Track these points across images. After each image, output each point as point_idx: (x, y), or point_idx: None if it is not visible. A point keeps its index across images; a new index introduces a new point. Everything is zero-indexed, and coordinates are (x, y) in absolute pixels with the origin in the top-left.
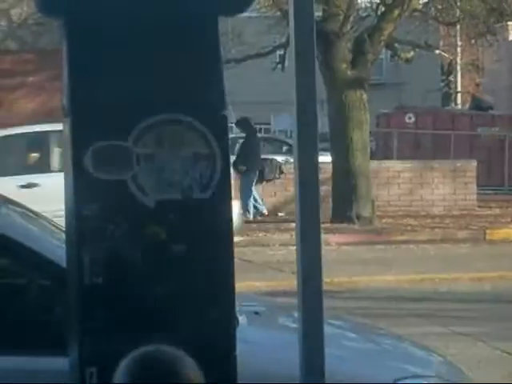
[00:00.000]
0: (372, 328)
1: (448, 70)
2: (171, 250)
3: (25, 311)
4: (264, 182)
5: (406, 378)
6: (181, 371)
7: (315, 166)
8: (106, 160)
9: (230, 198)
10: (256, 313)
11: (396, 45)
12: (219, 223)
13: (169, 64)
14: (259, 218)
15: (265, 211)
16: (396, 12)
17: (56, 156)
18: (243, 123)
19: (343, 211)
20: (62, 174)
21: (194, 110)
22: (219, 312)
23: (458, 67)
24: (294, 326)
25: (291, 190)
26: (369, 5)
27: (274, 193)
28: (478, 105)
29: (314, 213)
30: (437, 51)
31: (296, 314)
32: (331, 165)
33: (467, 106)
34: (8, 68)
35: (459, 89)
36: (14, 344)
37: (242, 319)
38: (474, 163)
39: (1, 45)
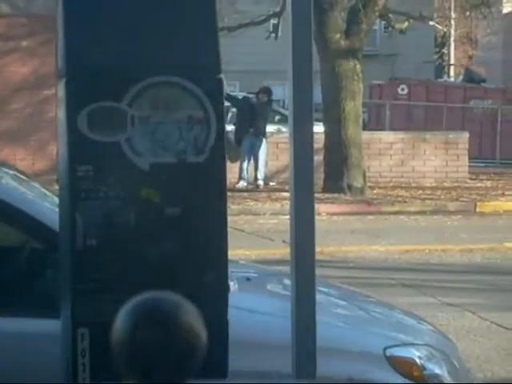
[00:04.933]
0: (362, 296)
1: (441, 42)
2: (165, 213)
3: (16, 274)
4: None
5: (395, 346)
6: (181, 316)
7: (310, 136)
8: (101, 121)
9: (225, 162)
10: (247, 279)
11: (390, 15)
12: (213, 187)
13: (165, 26)
14: (250, 187)
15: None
16: None
17: None
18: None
19: (335, 181)
20: None
21: (189, 73)
22: (212, 274)
23: (452, 39)
24: (285, 292)
25: (282, 159)
26: None
27: (266, 162)
28: (470, 77)
29: (308, 182)
30: (431, 23)
31: (286, 281)
32: (323, 135)
33: (460, 78)
34: (1, 32)
35: (452, 61)
36: (5, 306)
37: (233, 285)
38: (467, 135)
39: None
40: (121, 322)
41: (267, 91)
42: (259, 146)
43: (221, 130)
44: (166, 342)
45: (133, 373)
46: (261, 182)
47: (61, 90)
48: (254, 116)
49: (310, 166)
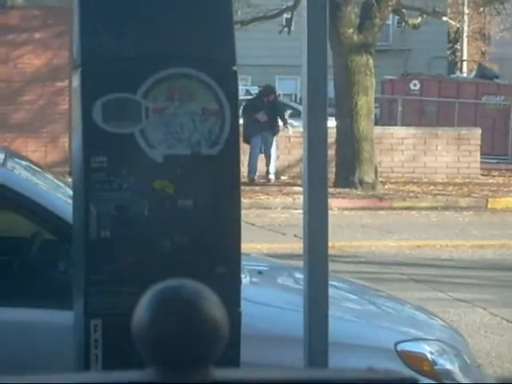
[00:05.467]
0: (373, 290)
1: (454, 38)
2: (178, 205)
3: (29, 265)
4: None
5: (407, 340)
6: (202, 304)
7: (324, 131)
8: (115, 113)
9: (239, 155)
10: (259, 272)
11: (403, 10)
12: (227, 179)
13: (180, 18)
14: (262, 181)
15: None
16: None
17: None
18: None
19: (346, 176)
20: None
21: (204, 65)
22: (225, 267)
23: (465, 35)
24: (297, 286)
25: (294, 153)
26: None
27: (278, 156)
28: (483, 73)
29: (322, 177)
30: (444, 18)
31: (298, 275)
32: (335, 129)
33: (473, 74)
34: (15, 24)
35: (465, 57)
36: (18, 296)
37: (245, 278)
38: (479, 131)
39: (8, 1)
40: (142, 309)
41: (272, 90)
42: (271, 143)
43: (235, 123)
44: (187, 331)
45: (154, 361)
46: (272, 177)
47: (76, 80)
48: (268, 113)
49: (324, 161)
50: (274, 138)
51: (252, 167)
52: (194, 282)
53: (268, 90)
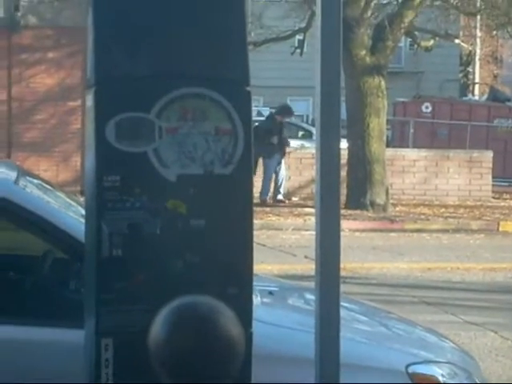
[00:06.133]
0: (384, 312)
1: (467, 61)
2: (191, 225)
3: (40, 283)
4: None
5: (418, 363)
6: (219, 321)
7: (337, 152)
8: (129, 132)
9: (252, 174)
10: (270, 293)
11: (416, 33)
12: (240, 199)
13: (194, 37)
14: (272, 203)
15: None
16: (417, 0)
17: None
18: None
19: (357, 198)
20: None
21: (218, 85)
22: (237, 287)
23: (477, 58)
24: (308, 307)
25: (306, 174)
26: None
27: (289, 177)
28: (495, 96)
29: (334, 198)
30: (456, 41)
31: (308, 296)
32: (347, 151)
33: (485, 97)
34: (28, 43)
35: (477, 80)
36: (28, 314)
37: (256, 298)
38: (491, 154)
39: (21, 20)
40: (158, 325)
41: (290, 110)
42: (281, 163)
43: (248, 142)
44: (204, 347)
45: (170, 377)
46: (281, 197)
47: (89, 100)
48: (279, 134)
49: (337, 182)
50: (283, 160)
51: (266, 189)
52: (209, 298)
53: (286, 112)
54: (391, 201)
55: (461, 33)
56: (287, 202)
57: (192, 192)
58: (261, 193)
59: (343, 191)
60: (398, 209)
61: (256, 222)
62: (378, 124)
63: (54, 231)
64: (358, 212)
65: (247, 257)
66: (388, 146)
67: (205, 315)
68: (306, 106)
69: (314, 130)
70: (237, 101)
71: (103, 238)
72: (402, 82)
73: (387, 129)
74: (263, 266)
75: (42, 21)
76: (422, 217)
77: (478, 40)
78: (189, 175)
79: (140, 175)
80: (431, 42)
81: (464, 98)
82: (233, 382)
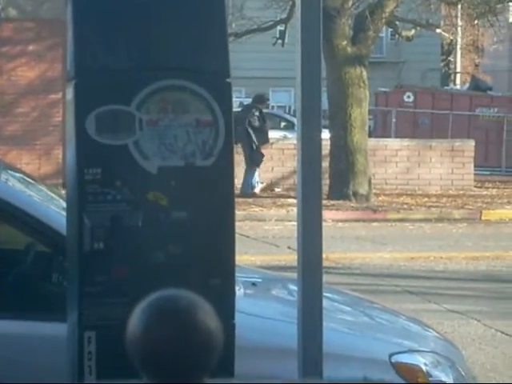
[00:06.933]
0: (367, 302)
1: (448, 50)
2: (172, 217)
3: (22, 277)
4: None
5: (401, 352)
6: (197, 314)
7: (318, 142)
8: (109, 124)
9: (233, 166)
10: (253, 284)
11: (397, 23)
12: (221, 191)
13: (174, 30)
14: (255, 193)
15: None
16: None
17: None
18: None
19: (340, 188)
20: None
21: (198, 77)
22: (220, 278)
23: (458, 47)
24: (291, 298)
25: (288, 165)
26: None
27: (272, 168)
28: (477, 85)
29: (316, 189)
30: (437, 30)
31: (292, 287)
32: (329, 141)
33: (466, 86)
34: (8, 36)
35: (459, 69)
36: (11, 309)
37: (239, 290)
38: (472, 143)
39: (1, 13)
40: (136, 319)
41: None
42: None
43: (229, 134)
44: (182, 341)
45: (147, 372)
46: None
47: (69, 93)
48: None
49: (318, 173)
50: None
51: (254, 180)
52: (188, 292)
53: (261, 99)
54: (374, 191)
55: (442, 22)
56: (270, 192)
57: (173, 184)
58: (243, 186)
59: (326, 181)
60: (380, 199)
61: (239, 212)
62: (360, 114)
63: (35, 224)
64: (340, 202)
65: (229, 248)
66: (370, 135)
67: (183, 308)
68: (288, 97)
69: (296, 121)
70: (217, 92)
71: (85, 230)
72: (384, 72)
73: (369, 119)
74: (246, 257)
75: (22, 13)
76: (405, 206)
77: (459, 29)
78: (170, 167)
79: (121, 168)
80: (412, 32)
81: (446, 88)
82: (211, 374)
